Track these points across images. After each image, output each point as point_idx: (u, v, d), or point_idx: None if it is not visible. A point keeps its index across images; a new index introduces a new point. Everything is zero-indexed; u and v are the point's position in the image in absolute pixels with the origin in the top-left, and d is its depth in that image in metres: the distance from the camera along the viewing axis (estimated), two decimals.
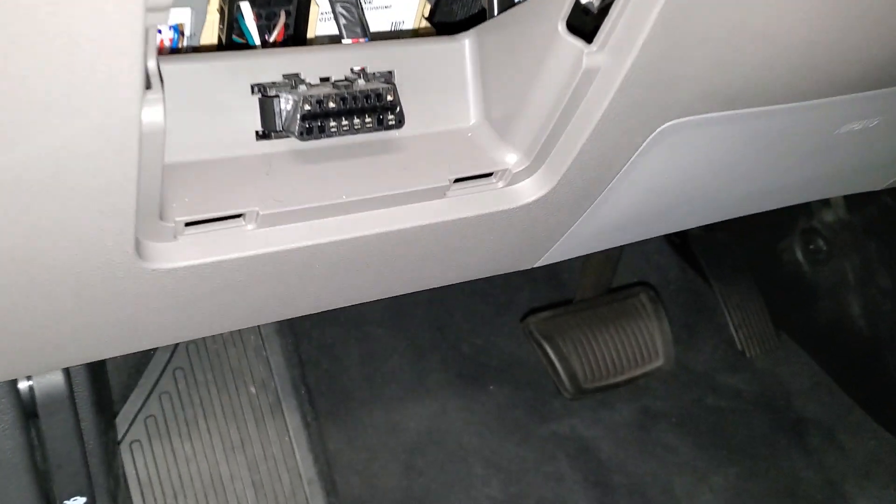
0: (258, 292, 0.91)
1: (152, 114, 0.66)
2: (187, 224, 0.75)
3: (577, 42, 0.75)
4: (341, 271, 0.95)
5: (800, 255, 2.04)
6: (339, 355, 2.07)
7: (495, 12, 0.99)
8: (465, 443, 2.01)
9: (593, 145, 0.93)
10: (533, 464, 2.02)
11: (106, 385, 1.36)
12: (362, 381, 2.01)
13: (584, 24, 0.88)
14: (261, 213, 0.76)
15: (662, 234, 1.32)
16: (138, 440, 1.60)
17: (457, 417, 2.05)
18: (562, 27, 0.77)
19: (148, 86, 0.67)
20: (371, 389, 2.01)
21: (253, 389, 1.71)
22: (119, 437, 1.57)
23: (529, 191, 0.93)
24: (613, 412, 2.16)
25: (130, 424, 1.60)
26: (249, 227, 0.77)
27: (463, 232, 0.93)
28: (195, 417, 1.66)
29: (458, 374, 2.11)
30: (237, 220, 0.78)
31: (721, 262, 2.11)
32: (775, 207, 1.39)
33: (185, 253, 0.75)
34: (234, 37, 1.00)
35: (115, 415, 1.58)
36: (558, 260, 1.17)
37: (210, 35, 0.99)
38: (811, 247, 1.99)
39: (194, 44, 0.99)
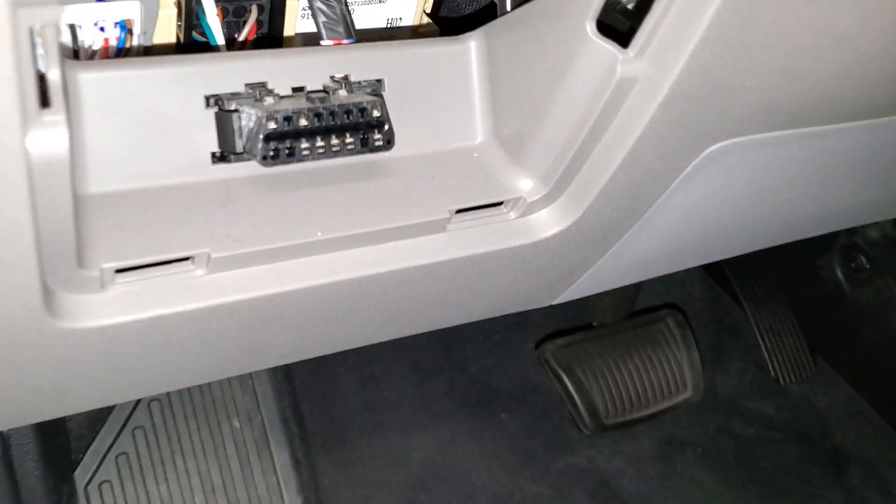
0: (215, 347, 0.74)
1: (48, 139, 0.50)
2: (119, 271, 0.65)
3: (609, 46, 0.66)
4: (319, 320, 0.78)
5: (839, 274, 1.87)
6: (336, 379, 1.91)
7: (508, 7, 0.81)
8: (474, 478, 1.86)
9: (627, 171, 0.76)
10: (548, 500, 1.86)
11: (59, 430, 1.20)
12: (361, 408, 1.85)
13: (618, 24, 0.71)
14: (213, 255, 0.64)
15: (698, 264, 1.15)
16: (108, 481, 1.45)
17: (465, 449, 1.89)
18: (591, 27, 0.65)
19: (46, 103, 0.51)
20: (370, 417, 1.86)
21: (237, 423, 1.55)
22: (87, 477, 1.41)
23: (547, 223, 0.76)
24: (635, 443, 1.99)
25: (100, 463, 1.45)
26: (199, 272, 0.66)
27: (467, 271, 0.76)
28: (172, 455, 1.50)
29: (467, 400, 1.95)
30: (184, 264, 0.67)
31: (753, 280, 1.94)
32: (826, 232, 1.22)
33: (117, 307, 0.61)
34: (195, 34, 0.83)
35: (74, 464, 1.42)
36: (580, 296, 1.00)
37: (166, 33, 0.82)
38: (853, 265, 1.82)
39: (146, 43, 0.83)
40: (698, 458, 2.04)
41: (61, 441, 1.34)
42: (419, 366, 2.00)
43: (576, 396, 1.83)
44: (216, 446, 1.53)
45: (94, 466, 1.44)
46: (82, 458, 1.44)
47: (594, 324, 2.03)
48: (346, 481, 1.77)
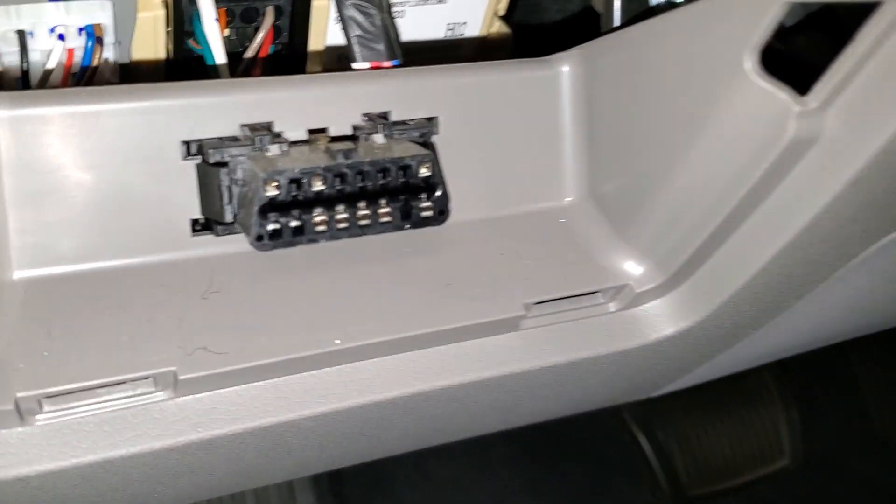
0: (193, 481, 0.53)
1: None
2: (49, 397, 0.48)
3: (779, 91, 0.48)
4: (338, 443, 0.57)
5: None
6: None
7: (617, 20, 0.59)
8: None
9: (784, 261, 0.53)
10: None
11: None
12: (407, 453, 1.63)
13: (790, 62, 0.49)
14: (182, 375, 0.49)
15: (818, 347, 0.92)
16: None
17: None
18: (751, 62, 0.48)
19: None
20: (416, 465, 1.65)
21: None
22: None
23: (661, 321, 0.56)
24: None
25: None
26: (160, 396, 0.50)
27: (546, 380, 0.55)
28: None
29: (525, 448, 1.72)
30: (141, 384, 0.50)
31: None
32: None
33: (43, 449, 0.48)
34: (189, 43, 0.62)
35: None
36: (685, 387, 0.77)
37: (149, 43, 0.61)
38: None
39: (123, 59, 0.62)
40: None
41: None
42: None
43: (654, 460, 1.59)
44: (234, 500, 1.33)
45: None
46: None
47: None
48: None
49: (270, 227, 0.47)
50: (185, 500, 0.63)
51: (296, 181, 0.47)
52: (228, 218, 0.50)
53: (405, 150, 0.50)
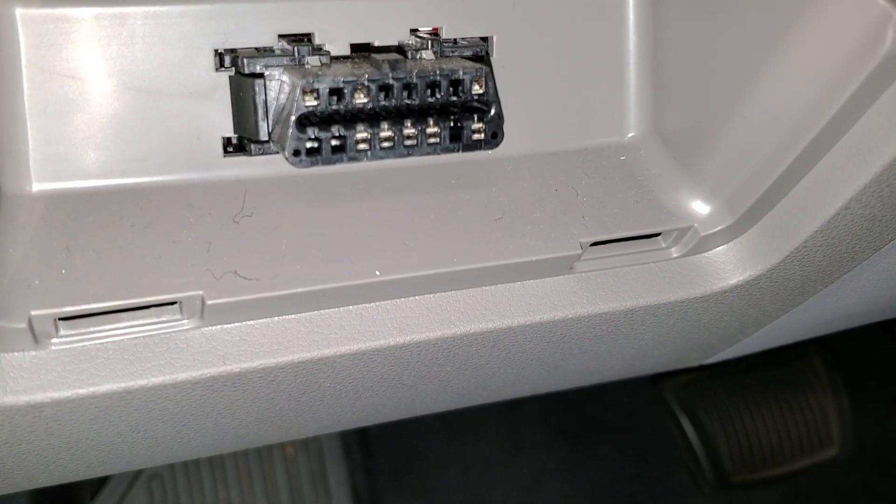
0: (216, 424, 0.50)
1: None
2: (63, 319, 0.44)
3: None
4: (373, 389, 0.53)
5: None
6: None
7: None
8: None
9: (868, 198, 0.47)
10: None
11: None
12: (438, 433, 1.61)
13: None
14: (210, 300, 0.45)
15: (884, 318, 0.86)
16: None
17: (555, 488, 1.63)
18: None
19: None
20: (448, 445, 1.62)
21: (291, 450, 1.32)
22: (115, 499, 1.21)
23: (727, 268, 0.51)
24: (753, 492, 1.67)
25: (130, 485, 1.24)
26: (187, 324, 0.47)
27: (599, 331, 0.50)
28: (214, 483, 1.28)
29: (562, 429, 1.68)
30: (166, 310, 0.46)
31: None
32: None
33: (57, 375, 0.45)
34: None
35: (97, 487, 1.22)
36: (741, 355, 0.72)
37: None
38: None
39: None
40: None
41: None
42: None
43: (697, 445, 1.54)
44: (265, 475, 1.30)
45: (124, 489, 1.24)
46: (110, 480, 1.23)
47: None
48: None
49: (308, 141, 0.43)
50: (209, 449, 0.60)
51: (337, 92, 0.43)
52: (263, 135, 0.46)
53: (458, 65, 0.46)
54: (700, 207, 0.53)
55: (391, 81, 0.45)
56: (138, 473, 1.25)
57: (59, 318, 0.43)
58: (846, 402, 1.63)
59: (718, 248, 0.55)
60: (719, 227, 0.53)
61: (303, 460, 1.33)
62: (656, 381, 1.64)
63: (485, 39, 0.51)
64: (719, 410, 1.56)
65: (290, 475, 1.32)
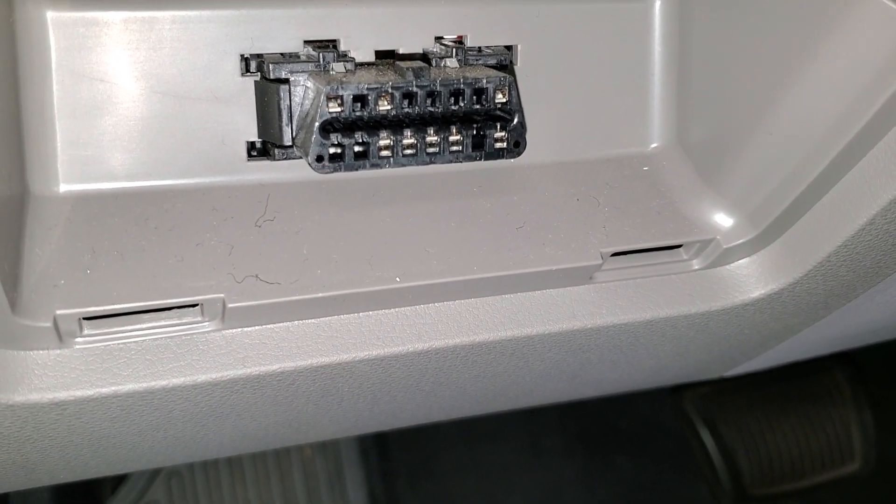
0: (235, 427, 0.50)
1: None
2: (87, 319, 0.45)
3: None
4: (390, 395, 0.53)
5: None
6: None
7: None
8: None
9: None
10: None
11: None
12: (455, 438, 1.60)
13: None
14: (231, 303, 0.45)
15: None
16: (156, 501, 1.24)
17: (572, 496, 1.63)
18: None
19: None
20: (466, 451, 1.61)
21: (309, 451, 1.32)
22: (133, 497, 1.21)
23: (749, 281, 0.51)
24: None
25: (149, 484, 1.25)
26: (207, 326, 0.47)
27: (617, 342, 0.49)
28: (231, 482, 1.28)
29: (580, 437, 1.67)
30: (187, 312, 0.47)
31: None
32: None
33: (80, 374, 0.45)
34: None
35: (116, 483, 1.23)
36: (762, 369, 0.72)
37: None
38: None
39: None
40: None
41: None
42: None
43: (716, 457, 1.52)
44: (282, 476, 1.31)
45: (143, 486, 1.24)
46: (129, 478, 1.24)
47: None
48: None
49: (332, 147, 0.44)
50: (228, 449, 0.60)
51: (361, 98, 0.44)
52: (287, 140, 0.46)
53: (481, 73, 0.46)
54: (723, 220, 0.53)
55: (415, 89, 0.45)
56: (157, 471, 1.26)
57: (84, 318, 0.43)
58: (869, 417, 1.61)
59: (740, 261, 0.55)
60: (742, 240, 0.53)
61: (320, 462, 1.33)
62: (676, 391, 1.63)
63: (509, 48, 0.51)
64: (739, 422, 1.54)
65: (307, 476, 1.32)
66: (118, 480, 1.25)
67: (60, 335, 0.43)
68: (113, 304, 0.43)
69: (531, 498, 1.62)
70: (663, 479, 1.68)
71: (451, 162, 0.46)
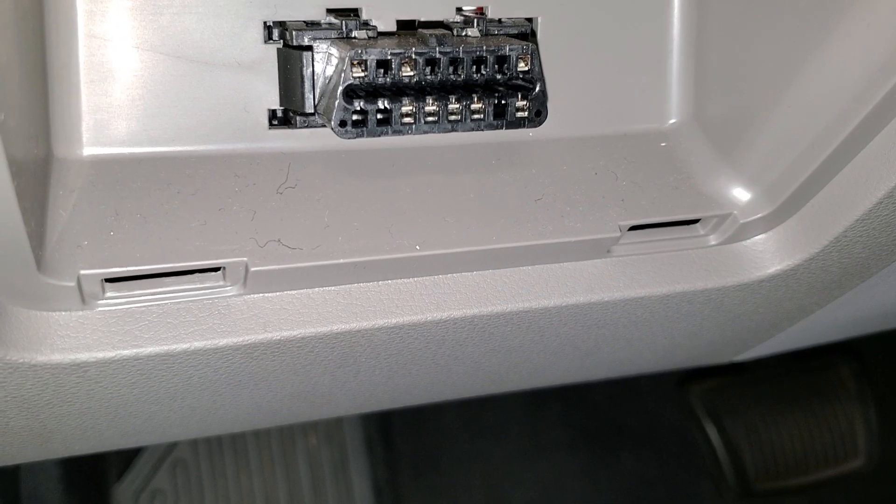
0: (251, 396, 0.51)
1: None
2: (109, 281, 0.45)
3: None
4: (406, 367, 0.53)
5: None
6: None
7: None
8: None
9: None
10: None
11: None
12: (460, 431, 1.60)
13: None
14: (253, 267, 0.45)
15: None
16: (162, 490, 1.25)
17: (576, 490, 1.62)
18: None
19: None
20: (470, 443, 1.61)
21: (314, 441, 1.33)
22: (139, 485, 1.22)
23: (765, 257, 0.51)
24: (776, 501, 1.65)
25: (154, 471, 1.25)
26: (230, 290, 0.47)
27: (632, 317, 0.50)
28: (237, 471, 1.29)
29: (584, 432, 1.67)
30: (209, 276, 0.47)
31: None
32: None
33: (101, 336, 0.45)
34: None
35: (122, 472, 1.23)
36: (772, 354, 0.72)
37: None
38: None
39: None
40: None
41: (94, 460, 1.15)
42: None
43: (721, 451, 1.52)
44: (287, 464, 1.31)
45: (149, 473, 1.25)
46: (135, 464, 1.25)
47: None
48: None
49: (354, 113, 0.44)
50: (242, 423, 0.61)
51: (384, 64, 0.44)
52: (309, 107, 0.46)
53: (503, 43, 0.46)
54: (740, 195, 0.53)
55: (438, 55, 0.45)
56: (163, 458, 1.26)
57: (106, 280, 0.44)
58: (873, 413, 1.61)
59: (757, 237, 0.55)
60: (759, 215, 0.53)
61: (325, 451, 1.33)
62: (681, 385, 1.63)
63: (530, 20, 0.51)
64: (744, 417, 1.54)
65: (312, 465, 1.32)
66: (123, 467, 1.26)
67: (83, 296, 0.43)
68: (136, 265, 0.43)
69: (535, 492, 1.62)
70: (668, 473, 1.68)
71: (472, 130, 0.47)
